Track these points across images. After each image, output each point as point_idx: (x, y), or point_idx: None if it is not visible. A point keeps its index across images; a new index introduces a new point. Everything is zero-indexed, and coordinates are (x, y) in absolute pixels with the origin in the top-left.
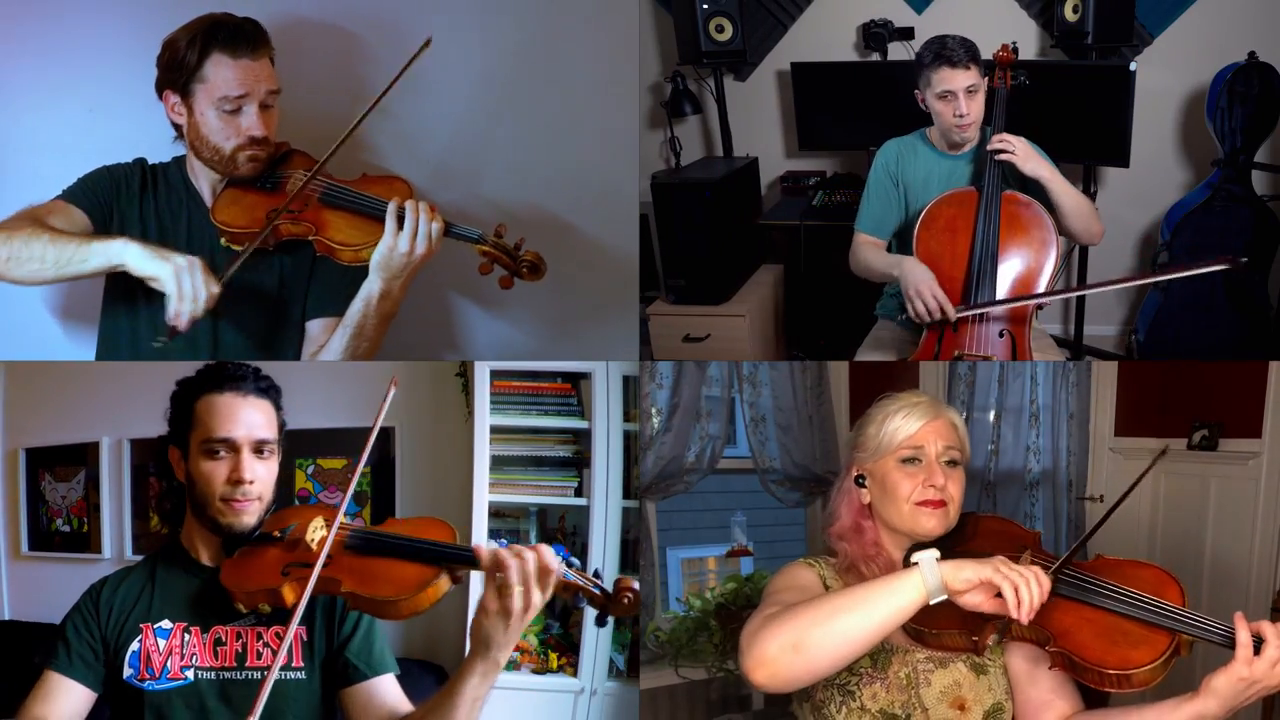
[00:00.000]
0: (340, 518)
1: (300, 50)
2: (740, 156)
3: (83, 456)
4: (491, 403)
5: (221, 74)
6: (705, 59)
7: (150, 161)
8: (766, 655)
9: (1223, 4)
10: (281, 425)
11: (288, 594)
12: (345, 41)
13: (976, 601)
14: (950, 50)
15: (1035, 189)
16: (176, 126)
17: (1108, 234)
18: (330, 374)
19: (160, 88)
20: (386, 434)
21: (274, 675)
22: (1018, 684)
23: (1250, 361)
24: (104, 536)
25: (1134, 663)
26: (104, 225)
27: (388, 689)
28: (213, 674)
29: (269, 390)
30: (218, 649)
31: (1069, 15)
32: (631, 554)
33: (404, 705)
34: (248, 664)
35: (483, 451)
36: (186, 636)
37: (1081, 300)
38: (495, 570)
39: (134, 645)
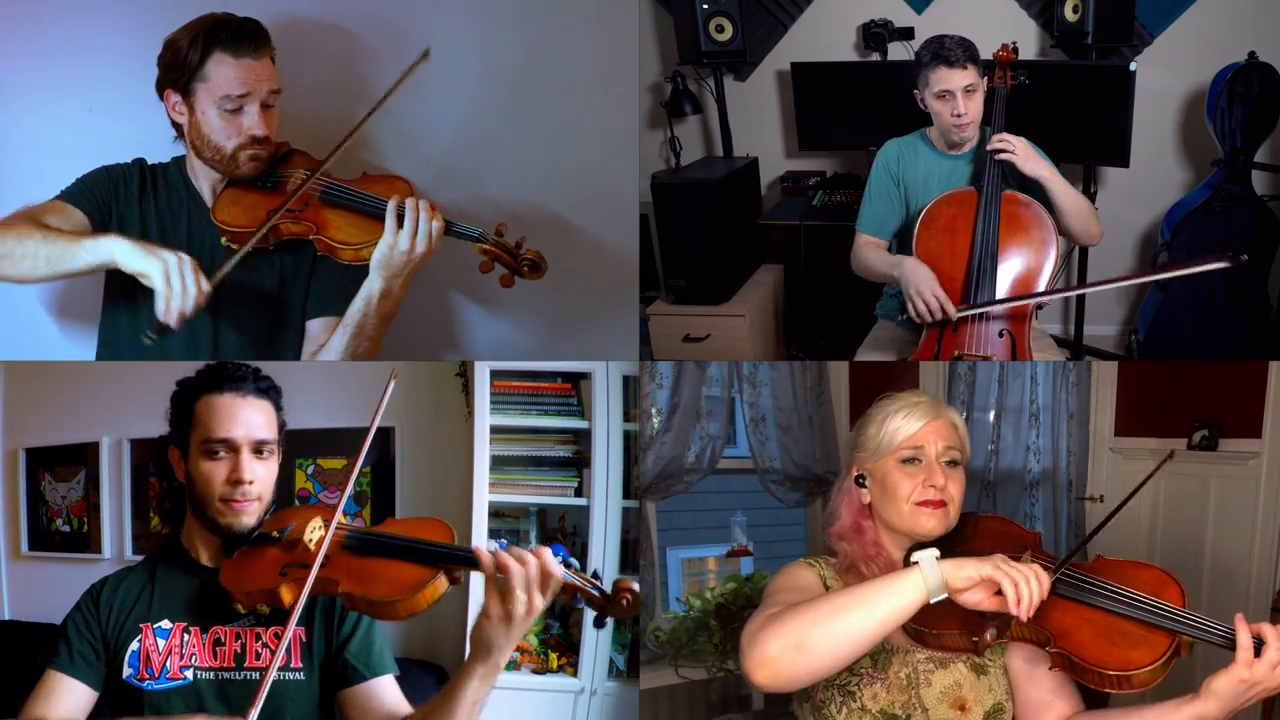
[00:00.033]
0: (338, 518)
1: (301, 50)
2: (740, 156)
3: (83, 456)
4: (491, 403)
5: (223, 73)
6: (705, 59)
7: (150, 162)
8: (768, 655)
9: (1223, 4)
10: (281, 425)
11: (285, 595)
12: (345, 41)
13: (977, 600)
14: (948, 50)
15: (1035, 189)
16: (177, 126)
17: (1108, 234)
18: (330, 374)
19: (161, 87)
20: (386, 434)
21: (272, 675)
22: (1018, 684)
23: (1250, 361)
24: (104, 536)
25: (1134, 664)
26: (102, 225)
27: (387, 690)
28: (211, 674)
29: (269, 390)
30: (217, 649)
31: (1069, 15)
32: (631, 554)
33: (403, 707)
34: (246, 664)
35: (483, 451)
36: (186, 636)
37: (1081, 300)
38: (498, 574)
39: (134, 645)
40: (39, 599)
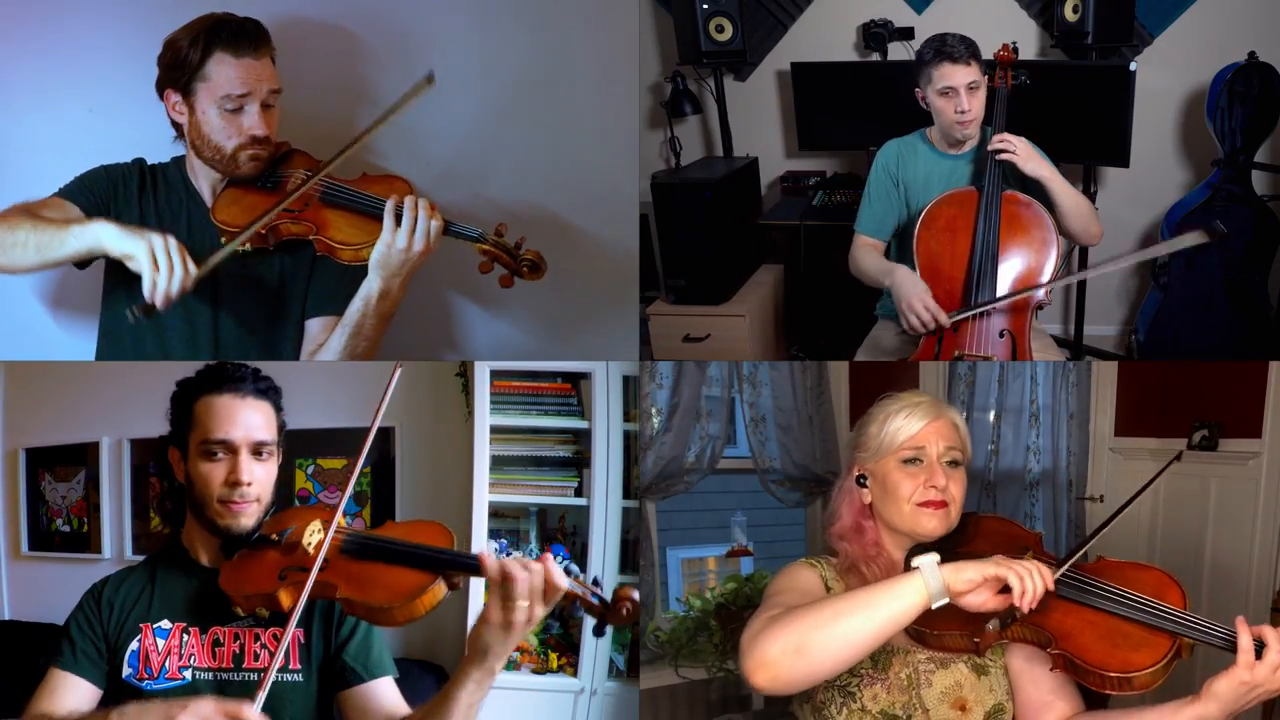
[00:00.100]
0: (338, 521)
1: (301, 50)
2: (740, 156)
3: (83, 456)
4: (491, 403)
5: (224, 73)
6: (705, 59)
7: (150, 162)
8: (767, 658)
9: (1223, 4)
10: (281, 426)
11: (284, 598)
12: (346, 42)
13: (980, 601)
14: (951, 46)
15: (1035, 189)
16: (177, 126)
17: (1108, 234)
18: (330, 374)
19: (161, 87)
20: (386, 434)
21: (272, 676)
22: (1018, 685)
23: (1250, 361)
24: (104, 536)
25: (1135, 665)
26: None
27: (385, 692)
28: (210, 675)
29: (268, 391)
30: (216, 650)
31: (1069, 15)
32: (631, 554)
33: (401, 709)
34: (245, 665)
35: (483, 451)
36: (185, 637)
37: (1081, 300)
38: (501, 582)
39: (134, 645)
40: (39, 599)
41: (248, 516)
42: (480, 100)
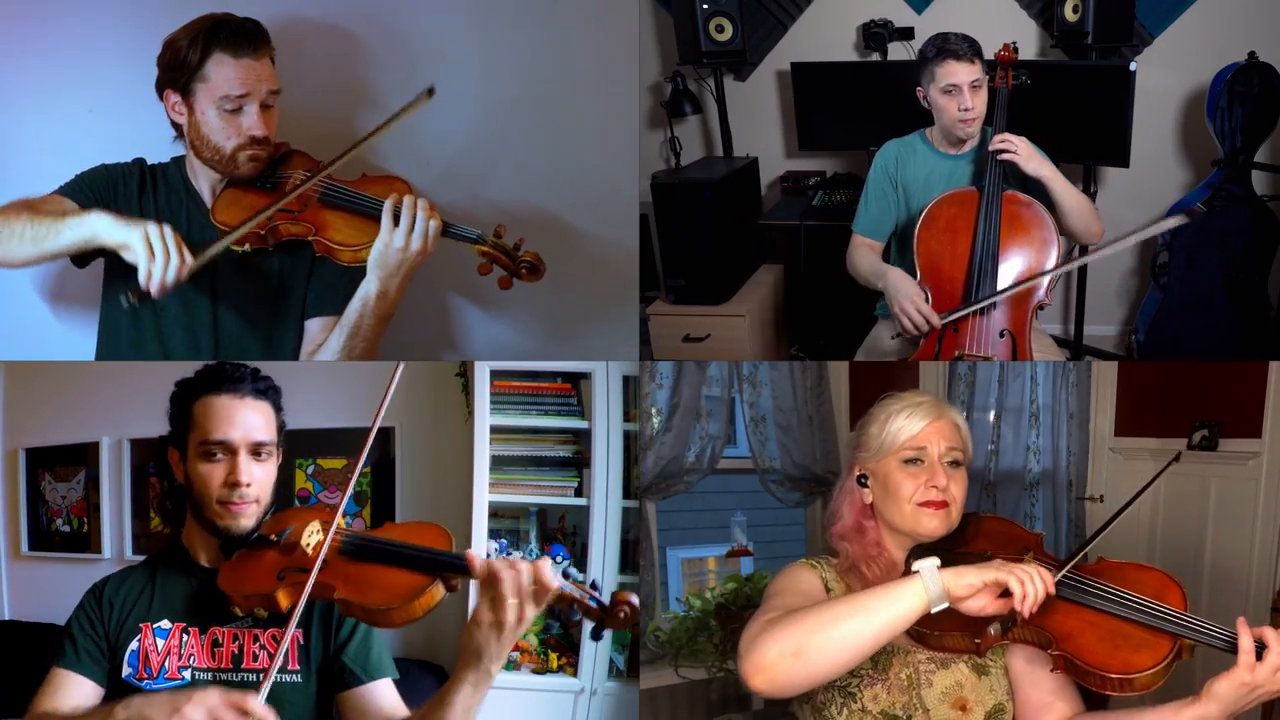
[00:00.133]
0: (337, 522)
1: (301, 51)
2: (740, 156)
3: (83, 456)
4: (491, 403)
5: (223, 73)
6: (705, 59)
7: (150, 162)
8: (766, 661)
9: (1223, 4)
10: (281, 427)
11: (282, 599)
12: (346, 42)
13: (980, 605)
14: (954, 45)
15: (1036, 189)
16: (176, 126)
17: (1108, 233)
18: (330, 374)
19: (161, 87)
20: (386, 434)
21: (272, 676)
22: (1019, 685)
23: (1250, 361)
24: (104, 536)
25: (1136, 667)
26: None
27: (384, 694)
28: (209, 675)
29: (268, 391)
30: (215, 650)
31: (1069, 15)
32: (631, 554)
33: (400, 711)
34: (244, 665)
35: (483, 451)
36: (185, 637)
37: (1081, 301)
38: (488, 582)
39: (134, 644)
40: (39, 599)
41: (247, 517)
42: (480, 101)
